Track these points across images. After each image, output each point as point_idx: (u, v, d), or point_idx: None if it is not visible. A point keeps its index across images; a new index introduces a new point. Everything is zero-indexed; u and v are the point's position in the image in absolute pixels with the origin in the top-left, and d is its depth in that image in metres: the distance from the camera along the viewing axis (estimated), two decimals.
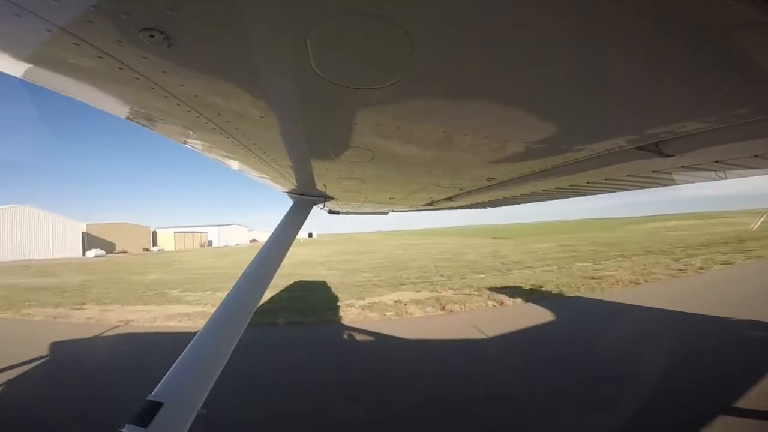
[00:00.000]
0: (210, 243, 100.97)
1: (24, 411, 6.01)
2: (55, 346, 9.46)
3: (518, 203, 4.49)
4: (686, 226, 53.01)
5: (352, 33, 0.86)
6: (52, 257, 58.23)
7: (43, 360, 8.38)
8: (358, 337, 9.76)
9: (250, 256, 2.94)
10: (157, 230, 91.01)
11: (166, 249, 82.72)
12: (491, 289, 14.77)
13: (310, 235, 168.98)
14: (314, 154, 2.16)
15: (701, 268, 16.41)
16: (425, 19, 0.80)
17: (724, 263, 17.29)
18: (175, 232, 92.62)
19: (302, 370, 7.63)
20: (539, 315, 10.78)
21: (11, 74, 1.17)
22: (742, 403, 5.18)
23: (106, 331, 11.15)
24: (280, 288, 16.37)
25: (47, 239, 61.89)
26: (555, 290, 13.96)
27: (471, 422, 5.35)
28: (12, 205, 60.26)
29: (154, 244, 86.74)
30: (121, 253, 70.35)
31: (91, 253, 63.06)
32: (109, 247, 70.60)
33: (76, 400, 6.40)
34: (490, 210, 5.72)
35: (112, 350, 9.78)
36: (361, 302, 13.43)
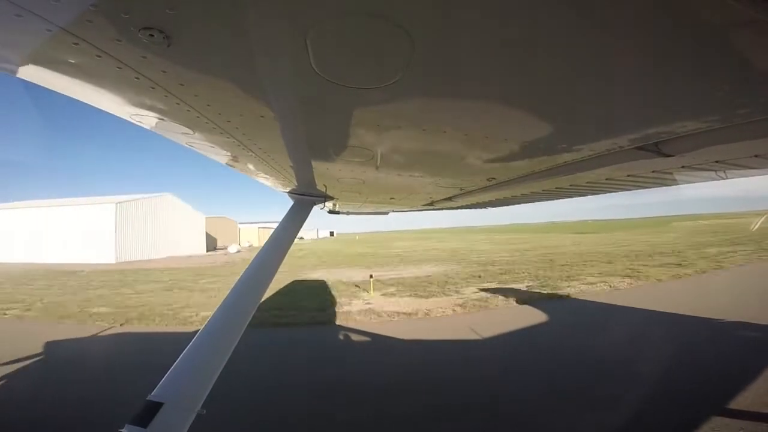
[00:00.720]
0: None
1: None
2: None
3: (518, 203, 4.49)
4: (718, 225, 55.56)
5: (352, 33, 0.86)
6: (186, 254, 47.44)
7: None
8: None
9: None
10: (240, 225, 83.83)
11: (254, 245, 76.67)
12: None
13: (332, 233, 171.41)
14: (314, 154, 2.16)
15: None
16: (425, 19, 0.80)
17: None
18: (259, 228, 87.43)
19: None
20: None
21: (11, 74, 1.16)
22: None
23: None
24: None
25: (181, 233, 49.99)
26: None
27: None
28: (153, 195, 47.71)
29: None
30: (221, 249, 61.75)
31: (233, 249, 56.23)
32: (212, 242, 61.82)
33: None
34: (484, 210, 5.70)
35: None
36: None
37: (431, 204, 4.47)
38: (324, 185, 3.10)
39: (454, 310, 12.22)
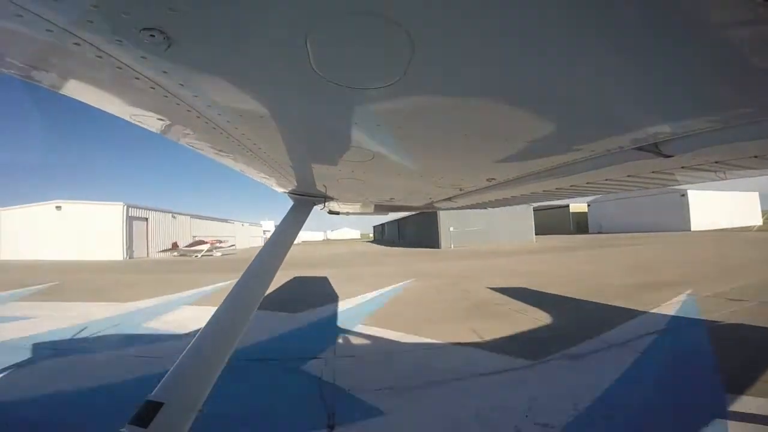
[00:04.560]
0: None
1: None
2: None
3: (518, 203, 4.50)
4: None
5: (352, 33, 0.86)
6: None
7: None
8: None
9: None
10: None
11: None
12: None
13: None
14: (314, 154, 2.16)
15: None
16: (426, 19, 0.80)
17: None
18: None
19: None
20: None
21: (12, 74, 1.16)
22: None
23: None
24: None
25: None
26: None
27: None
28: None
29: None
30: None
31: None
32: None
33: None
34: None
35: None
36: None
37: (431, 204, 4.48)
38: (324, 185, 3.11)
39: None
